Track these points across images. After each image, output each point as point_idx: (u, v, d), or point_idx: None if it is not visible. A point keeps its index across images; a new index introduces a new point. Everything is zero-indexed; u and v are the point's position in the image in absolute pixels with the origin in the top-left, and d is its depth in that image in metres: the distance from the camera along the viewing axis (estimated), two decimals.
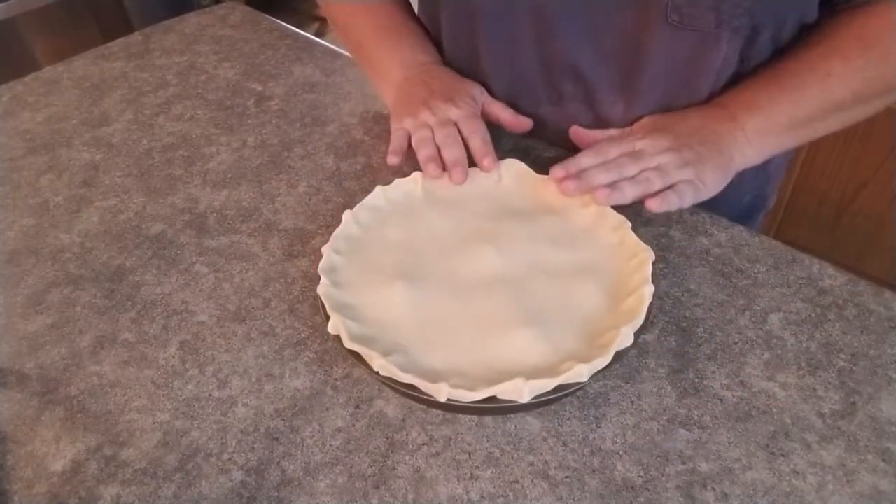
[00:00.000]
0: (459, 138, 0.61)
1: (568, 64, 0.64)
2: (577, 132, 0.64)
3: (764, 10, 0.57)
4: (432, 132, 0.62)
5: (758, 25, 0.58)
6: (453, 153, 0.60)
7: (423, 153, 0.60)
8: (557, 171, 0.57)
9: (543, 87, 0.68)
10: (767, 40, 0.60)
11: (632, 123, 0.66)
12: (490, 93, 0.72)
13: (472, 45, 0.69)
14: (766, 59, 0.62)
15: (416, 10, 0.80)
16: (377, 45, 0.73)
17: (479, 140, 0.61)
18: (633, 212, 0.55)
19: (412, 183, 0.60)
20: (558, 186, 0.56)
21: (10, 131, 0.78)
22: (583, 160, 0.58)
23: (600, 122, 0.67)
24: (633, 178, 0.56)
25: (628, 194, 0.55)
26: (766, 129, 0.59)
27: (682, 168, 0.56)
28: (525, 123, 0.67)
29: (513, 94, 0.71)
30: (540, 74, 0.67)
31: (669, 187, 0.56)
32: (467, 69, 0.73)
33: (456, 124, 0.62)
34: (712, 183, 0.58)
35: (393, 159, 0.62)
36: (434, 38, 0.77)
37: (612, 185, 0.55)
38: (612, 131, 0.64)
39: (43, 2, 1.60)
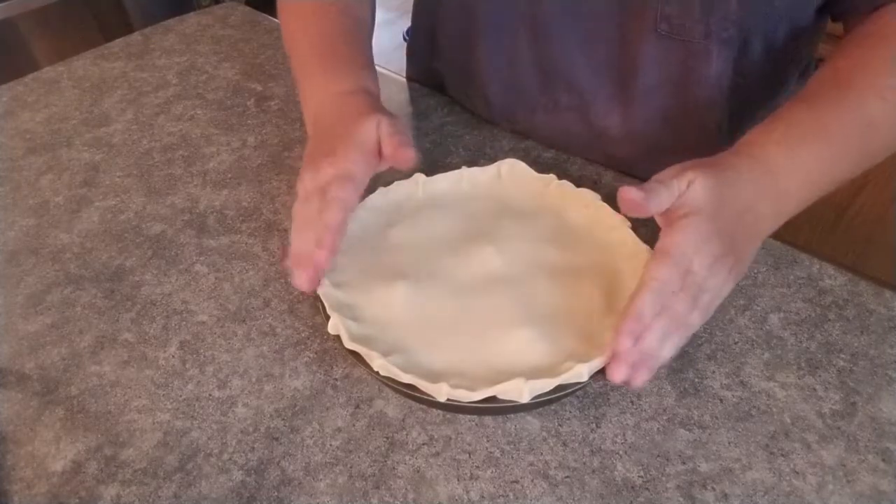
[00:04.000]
0: (311, 223, 0.50)
1: (563, 73, 0.64)
2: (628, 198, 0.44)
3: (754, 22, 0.57)
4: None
5: (748, 36, 0.58)
6: (295, 247, 0.50)
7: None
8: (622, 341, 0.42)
9: (539, 96, 0.68)
10: (759, 49, 0.60)
11: (629, 135, 0.65)
12: (488, 100, 0.72)
13: (470, 52, 0.69)
14: (760, 67, 0.61)
15: (411, 16, 0.80)
16: (303, 74, 0.63)
17: (329, 218, 0.49)
18: None
19: (413, 184, 0.60)
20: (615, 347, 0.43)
21: (10, 131, 0.78)
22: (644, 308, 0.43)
23: (596, 132, 0.67)
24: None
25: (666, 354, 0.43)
26: (810, 198, 0.51)
27: (723, 287, 0.45)
28: (404, 159, 0.51)
29: (509, 101, 0.71)
30: (536, 83, 0.67)
31: None
32: (464, 76, 0.73)
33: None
34: (740, 276, 0.48)
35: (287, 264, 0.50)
36: (429, 47, 0.76)
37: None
38: (659, 187, 0.45)
39: (43, 2, 1.60)
